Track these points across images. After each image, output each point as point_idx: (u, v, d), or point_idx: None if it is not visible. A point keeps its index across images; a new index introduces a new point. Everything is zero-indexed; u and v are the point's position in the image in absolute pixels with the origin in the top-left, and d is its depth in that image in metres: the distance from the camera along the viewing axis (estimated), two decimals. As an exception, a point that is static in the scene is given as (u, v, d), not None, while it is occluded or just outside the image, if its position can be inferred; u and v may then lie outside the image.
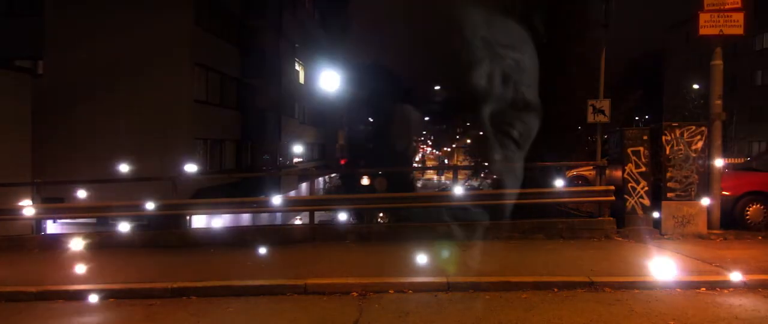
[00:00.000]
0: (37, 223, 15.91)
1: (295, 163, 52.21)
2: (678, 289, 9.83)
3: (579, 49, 28.53)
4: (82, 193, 17.77)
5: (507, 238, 14.36)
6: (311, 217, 15.64)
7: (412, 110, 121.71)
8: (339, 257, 12.66)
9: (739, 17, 14.36)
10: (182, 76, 30.46)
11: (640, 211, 14.51)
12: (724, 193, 14.80)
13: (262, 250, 13.50)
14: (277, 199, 15.78)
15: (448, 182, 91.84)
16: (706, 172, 14.44)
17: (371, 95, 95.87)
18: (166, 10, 30.07)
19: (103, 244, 14.80)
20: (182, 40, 30.42)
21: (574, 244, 13.74)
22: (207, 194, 23.84)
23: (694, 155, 14.33)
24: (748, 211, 15.02)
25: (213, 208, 16.41)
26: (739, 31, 14.42)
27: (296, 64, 51.94)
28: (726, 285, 9.94)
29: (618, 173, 14.97)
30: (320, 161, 64.49)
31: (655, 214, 14.54)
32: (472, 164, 40.81)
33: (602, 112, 16.45)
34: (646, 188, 14.49)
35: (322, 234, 14.91)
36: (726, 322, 8.25)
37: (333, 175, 65.78)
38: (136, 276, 11.06)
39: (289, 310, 9.25)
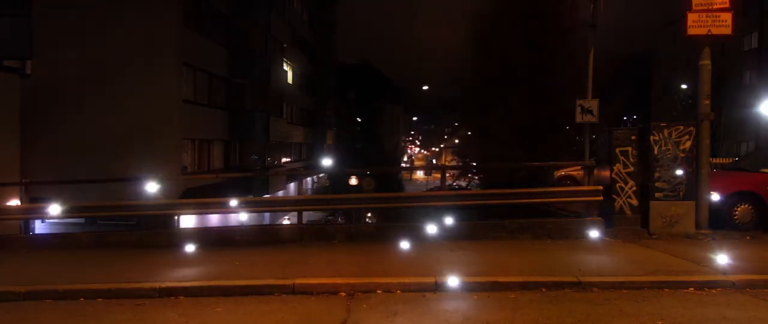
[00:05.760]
0: (25, 223, 15.86)
1: (284, 163, 52.21)
2: (666, 289, 9.84)
3: (567, 49, 28.58)
4: (71, 193, 17.74)
5: (495, 237, 14.36)
6: (299, 217, 15.62)
7: (401, 110, 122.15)
8: (327, 257, 12.64)
9: (727, 17, 14.38)
10: (170, 75, 30.43)
11: (628, 211, 14.54)
12: (712, 193, 14.83)
13: (251, 250, 13.49)
14: (265, 199, 15.75)
15: (435, 182, 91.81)
16: (695, 172, 14.47)
17: (360, 95, 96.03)
18: (155, 9, 30.04)
19: (91, 244, 14.78)
20: (170, 40, 30.39)
21: (562, 244, 13.75)
22: (195, 194, 23.81)
23: (682, 155, 14.36)
24: (736, 211, 15.07)
25: (201, 208, 16.39)
26: (728, 31, 14.44)
27: (284, 64, 51.96)
28: (714, 285, 9.96)
29: (606, 173, 14.99)
30: (309, 161, 64.55)
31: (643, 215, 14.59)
32: (461, 164, 40.87)
33: (591, 112, 16.52)
34: (635, 188, 14.52)
35: (311, 234, 14.89)
36: (714, 322, 8.26)
37: (321, 175, 65.79)
38: (125, 276, 11.00)
39: (277, 310, 9.23)
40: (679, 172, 14.38)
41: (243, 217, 17.63)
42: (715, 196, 14.98)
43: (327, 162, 51.53)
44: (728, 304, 9.07)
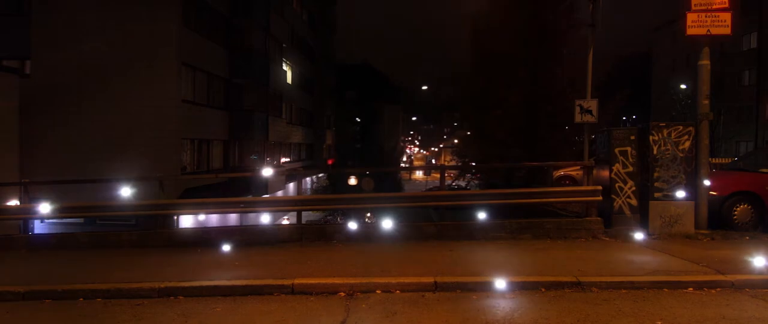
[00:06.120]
0: (25, 222, 15.84)
1: (283, 163, 52.19)
2: (665, 289, 9.85)
3: (566, 49, 28.55)
4: (69, 193, 17.73)
5: (494, 238, 14.35)
6: (299, 217, 15.59)
7: (400, 110, 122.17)
8: (326, 257, 12.62)
9: (727, 17, 14.39)
10: (170, 75, 30.43)
11: (627, 211, 14.54)
12: (711, 193, 14.82)
13: (250, 250, 13.48)
14: (264, 199, 15.73)
15: (434, 182, 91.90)
16: (694, 172, 14.47)
17: (359, 95, 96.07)
18: (154, 10, 30.08)
19: (90, 244, 14.77)
20: (170, 40, 30.39)
21: (561, 244, 13.75)
22: (194, 194, 23.80)
23: (681, 155, 14.37)
24: (735, 211, 15.06)
25: (200, 208, 16.38)
26: (727, 31, 14.44)
27: (284, 65, 51.96)
28: (713, 285, 9.97)
29: (605, 173, 15.00)
30: (308, 161, 64.55)
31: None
32: (460, 164, 40.84)
33: (590, 112, 16.47)
34: (634, 188, 14.52)
35: (310, 234, 14.86)
36: (713, 322, 8.27)
37: (320, 175, 65.81)
38: (124, 276, 11.01)
39: (276, 311, 9.23)
40: (678, 172, 14.38)
41: (242, 217, 17.63)
42: (714, 196, 14.98)
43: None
44: (727, 304, 9.08)
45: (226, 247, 13.89)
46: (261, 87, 42.42)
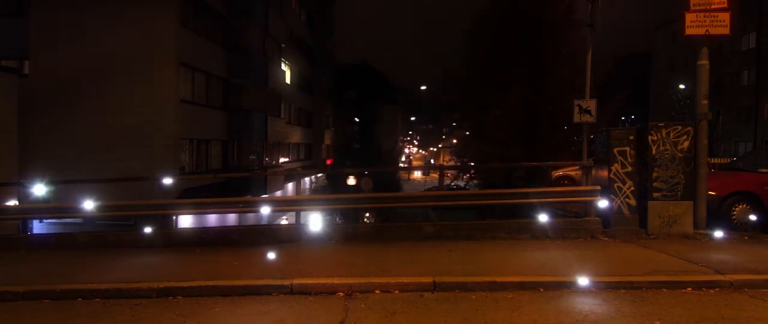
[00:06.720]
0: (24, 222, 15.82)
1: (282, 163, 52.13)
2: (664, 289, 9.85)
3: (565, 49, 28.55)
4: (68, 193, 17.71)
5: (492, 238, 14.35)
6: (297, 217, 15.60)
7: (399, 110, 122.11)
8: (325, 257, 12.64)
9: (725, 17, 14.39)
10: (168, 75, 30.35)
11: (626, 211, 14.54)
12: (710, 193, 14.81)
13: (249, 250, 13.47)
14: (262, 199, 15.71)
15: (433, 182, 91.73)
16: (693, 172, 14.46)
17: (358, 95, 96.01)
18: (152, 10, 30.00)
19: (89, 244, 14.75)
20: (168, 40, 30.32)
21: (560, 244, 13.75)
22: (193, 194, 23.78)
23: (680, 155, 14.37)
24: (734, 210, 15.07)
25: (199, 208, 16.35)
26: (726, 31, 14.45)
27: (283, 64, 51.90)
28: (712, 285, 9.97)
29: (604, 173, 15.00)
30: (307, 161, 64.47)
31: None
32: (459, 164, 40.83)
33: (588, 112, 16.49)
34: (632, 188, 14.52)
35: (308, 234, 14.85)
36: (712, 322, 8.27)
37: (319, 174, 65.74)
38: (122, 276, 10.99)
39: (275, 311, 9.22)
40: (677, 172, 14.39)
41: (241, 217, 17.60)
42: (713, 196, 14.99)
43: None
44: (726, 304, 9.08)
45: (225, 248, 13.90)
46: (260, 87, 42.35)
